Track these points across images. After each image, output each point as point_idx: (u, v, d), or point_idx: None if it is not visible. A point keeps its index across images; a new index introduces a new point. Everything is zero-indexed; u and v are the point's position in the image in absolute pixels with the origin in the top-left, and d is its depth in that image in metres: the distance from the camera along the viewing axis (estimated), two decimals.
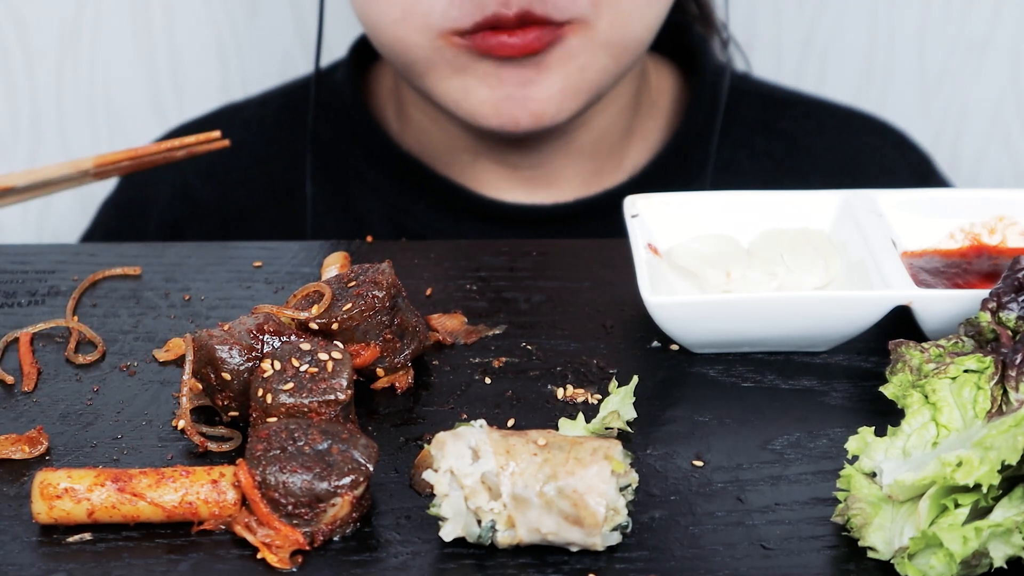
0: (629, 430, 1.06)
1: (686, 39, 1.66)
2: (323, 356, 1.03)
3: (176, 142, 1.30)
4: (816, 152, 1.68)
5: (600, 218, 1.55)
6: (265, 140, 1.68)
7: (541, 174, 1.58)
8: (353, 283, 1.10)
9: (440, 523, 0.95)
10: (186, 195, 1.67)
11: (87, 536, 0.97)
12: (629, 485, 0.96)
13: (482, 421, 0.99)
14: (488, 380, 1.12)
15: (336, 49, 1.72)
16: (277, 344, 1.05)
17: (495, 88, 1.43)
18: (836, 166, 1.67)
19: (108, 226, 1.71)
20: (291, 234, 1.60)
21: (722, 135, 1.61)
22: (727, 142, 1.62)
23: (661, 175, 1.59)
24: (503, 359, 1.15)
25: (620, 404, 1.05)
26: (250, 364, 1.04)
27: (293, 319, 1.08)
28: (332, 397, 1.01)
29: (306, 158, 1.61)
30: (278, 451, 0.96)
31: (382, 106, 1.65)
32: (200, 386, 1.07)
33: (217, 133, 1.31)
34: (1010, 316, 1.03)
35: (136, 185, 1.70)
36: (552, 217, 1.58)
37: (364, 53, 1.66)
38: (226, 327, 1.06)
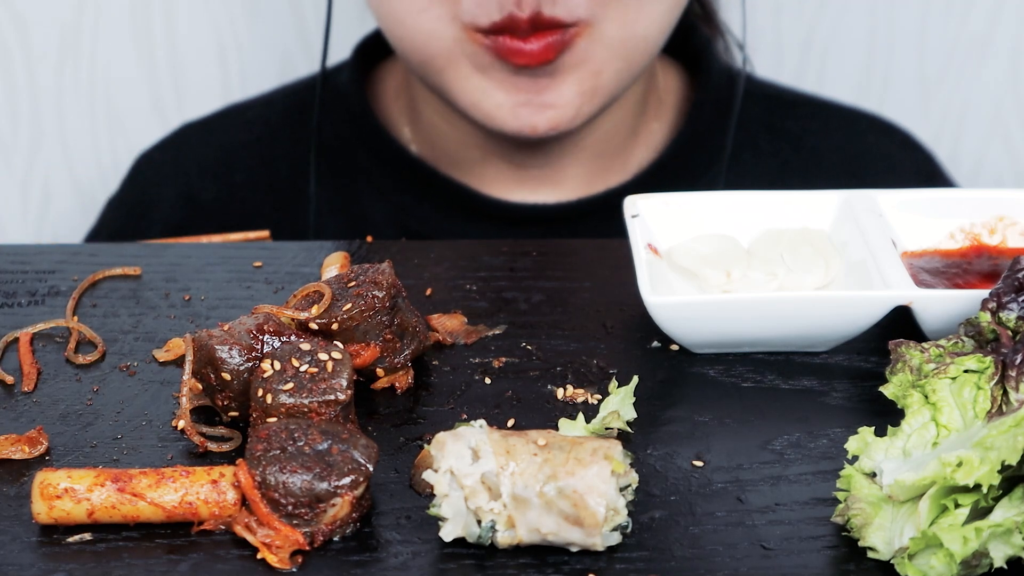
0: (629, 430, 1.05)
1: (691, 40, 1.66)
2: (323, 356, 1.03)
3: None
4: (822, 152, 1.68)
5: (605, 217, 1.55)
6: (269, 140, 1.68)
7: (547, 173, 1.58)
8: (353, 283, 1.10)
9: (440, 523, 0.95)
10: (190, 195, 1.67)
11: (87, 536, 0.97)
12: (629, 485, 0.96)
13: (482, 421, 0.99)
14: (488, 380, 1.12)
15: (339, 51, 1.72)
16: (277, 344, 1.05)
17: (512, 93, 1.44)
18: (842, 166, 1.67)
19: (113, 225, 1.71)
20: (295, 234, 1.60)
21: (727, 135, 1.61)
22: (732, 142, 1.62)
23: (665, 175, 1.59)
24: (503, 359, 1.15)
25: (620, 404, 1.05)
26: (250, 364, 1.04)
27: (293, 319, 1.08)
28: (332, 397, 1.01)
29: (310, 158, 1.60)
30: (278, 451, 0.96)
31: (387, 107, 1.65)
32: (200, 386, 1.07)
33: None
34: (1010, 316, 1.03)
35: (140, 185, 1.70)
36: (556, 216, 1.58)
37: (368, 55, 1.66)
38: (226, 327, 1.06)
